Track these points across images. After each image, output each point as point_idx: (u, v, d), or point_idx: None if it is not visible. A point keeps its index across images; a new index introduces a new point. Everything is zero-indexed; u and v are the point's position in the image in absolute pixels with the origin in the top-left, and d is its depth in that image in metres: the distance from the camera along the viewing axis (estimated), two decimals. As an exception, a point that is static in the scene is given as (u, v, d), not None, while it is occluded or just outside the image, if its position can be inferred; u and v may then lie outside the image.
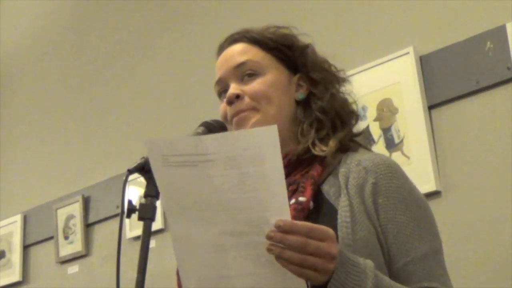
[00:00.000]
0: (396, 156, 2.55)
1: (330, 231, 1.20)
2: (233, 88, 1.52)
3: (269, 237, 1.16)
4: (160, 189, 1.25)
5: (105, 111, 3.80)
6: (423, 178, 2.45)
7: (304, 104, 1.55)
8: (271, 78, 1.53)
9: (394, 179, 1.42)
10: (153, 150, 1.21)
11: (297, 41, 1.59)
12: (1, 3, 4.52)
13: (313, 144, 1.49)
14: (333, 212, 1.39)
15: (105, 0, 3.92)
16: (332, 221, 1.36)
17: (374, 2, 2.76)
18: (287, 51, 1.57)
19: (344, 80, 1.60)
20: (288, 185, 1.37)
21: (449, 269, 2.38)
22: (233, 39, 1.58)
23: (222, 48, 1.60)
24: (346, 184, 1.42)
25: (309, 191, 1.41)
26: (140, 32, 3.71)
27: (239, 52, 1.55)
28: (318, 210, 1.40)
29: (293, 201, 1.38)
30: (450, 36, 2.51)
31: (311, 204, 1.40)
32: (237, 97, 1.51)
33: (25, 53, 4.39)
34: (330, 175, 1.46)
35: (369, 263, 1.26)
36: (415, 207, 1.42)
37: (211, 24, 3.35)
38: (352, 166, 1.44)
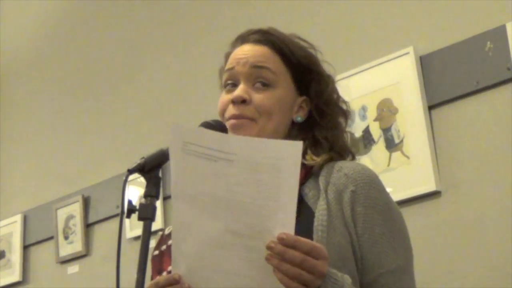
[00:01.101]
0: (396, 156, 2.55)
1: (325, 250, 1.23)
2: (242, 91, 1.51)
3: (269, 248, 1.19)
4: (172, 172, 1.26)
5: (105, 111, 3.80)
6: (423, 178, 2.46)
7: (300, 126, 1.55)
8: (280, 94, 1.52)
9: (373, 190, 1.44)
10: (175, 134, 1.23)
11: (320, 67, 1.58)
12: (2, 3, 4.52)
13: (304, 153, 1.49)
14: (310, 215, 1.41)
15: (105, 0, 3.92)
16: (308, 224, 1.38)
17: (374, 2, 2.76)
18: (306, 74, 1.56)
19: (349, 116, 1.60)
20: None
21: (449, 269, 2.39)
22: (258, 39, 1.56)
23: (243, 40, 1.57)
24: (325, 189, 1.43)
25: None
26: (141, 32, 3.71)
27: (261, 56, 1.53)
28: (296, 212, 1.41)
29: None
30: (450, 36, 2.51)
31: None
32: (243, 101, 1.50)
33: (26, 53, 4.39)
34: (310, 178, 1.48)
35: (347, 279, 1.28)
36: (391, 220, 1.44)
37: (213, 24, 3.35)
38: (334, 172, 1.46)
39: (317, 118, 1.55)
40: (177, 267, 1.29)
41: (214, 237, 1.23)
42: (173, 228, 1.30)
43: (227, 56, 1.60)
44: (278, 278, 1.19)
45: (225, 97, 1.54)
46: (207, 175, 1.22)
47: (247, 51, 1.54)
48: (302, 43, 1.59)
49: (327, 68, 1.60)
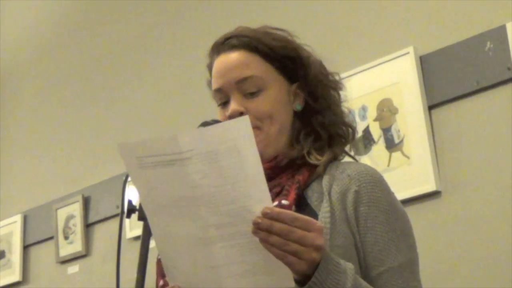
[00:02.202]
0: (396, 156, 2.55)
1: (317, 223, 1.23)
2: (236, 105, 1.50)
3: (256, 223, 1.18)
4: (137, 190, 1.26)
5: (105, 111, 3.80)
6: (423, 178, 2.46)
7: (301, 114, 1.54)
8: (273, 93, 1.51)
9: (376, 189, 1.44)
10: (126, 153, 1.23)
11: (299, 50, 1.56)
12: (2, 3, 4.52)
13: (309, 153, 1.50)
14: (314, 217, 1.39)
15: (106, 0, 3.92)
16: None
17: (374, 2, 2.76)
18: (288, 63, 1.54)
19: (342, 88, 1.59)
20: (273, 187, 1.40)
21: (449, 269, 2.40)
22: (232, 45, 1.53)
23: (219, 49, 1.55)
24: (329, 191, 1.43)
25: (292, 195, 1.42)
26: (142, 31, 3.71)
27: (241, 63, 1.51)
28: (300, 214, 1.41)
29: (275, 203, 1.38)
30: (450, 36, 2.51)
31: (293, 208, 1.40)
32: (241, 114, 1.49)
33: (26, 53, 4.39)
34: (314, 181, 1.48)
35: (349, 265, 1.28)
36: (394, 218, 1.44)
37: (213, 25, 3.35)
38: (337, 173, 1.46)
39: (311, 103, 1.54)
40: (173, 279, 1.29)
41: (199, 236, 1.22)
42: (156, 243, 1.29)
43: (210, 67, 1.58)
44: (267, 249, 1.19)
45: (222, 114, 1.53)
46: (170, 181, 1.21)
47: (227, 64, 1.52)
48: (275, 33, 1.57)
49: (307, 49, 1.58)
